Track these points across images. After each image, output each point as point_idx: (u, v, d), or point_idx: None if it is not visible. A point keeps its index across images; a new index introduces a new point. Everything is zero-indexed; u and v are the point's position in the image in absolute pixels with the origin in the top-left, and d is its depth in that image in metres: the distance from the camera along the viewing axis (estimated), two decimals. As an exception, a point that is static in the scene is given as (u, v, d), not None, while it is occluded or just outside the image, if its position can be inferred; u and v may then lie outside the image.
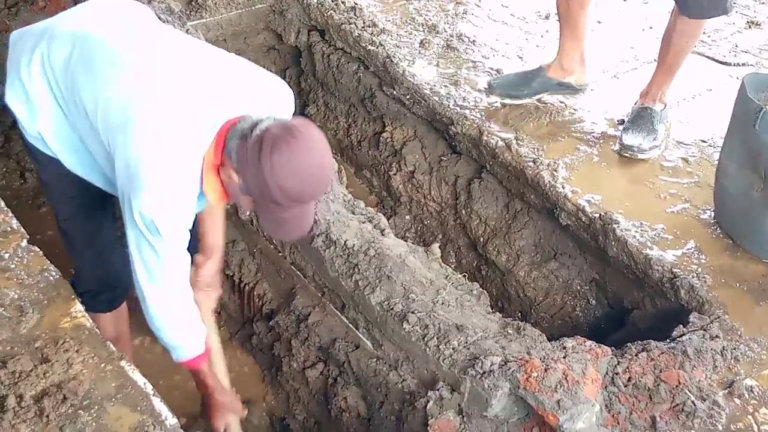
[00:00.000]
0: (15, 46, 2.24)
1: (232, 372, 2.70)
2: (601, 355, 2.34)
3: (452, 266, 3.43)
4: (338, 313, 2.87)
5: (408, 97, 3.63)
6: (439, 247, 3.01)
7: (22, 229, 2.53)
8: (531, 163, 3.13)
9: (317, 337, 2.92)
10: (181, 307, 2.20)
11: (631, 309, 2.97)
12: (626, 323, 2.96)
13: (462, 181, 3.57)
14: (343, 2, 4.00)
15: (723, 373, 2.37)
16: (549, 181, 3.05)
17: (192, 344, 2.27)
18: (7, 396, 2.00)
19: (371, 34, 3.82)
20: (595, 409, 2.19)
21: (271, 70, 2.46)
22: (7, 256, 2.41)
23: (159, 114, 1.97)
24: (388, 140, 3.85)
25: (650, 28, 4.08)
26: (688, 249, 2.79)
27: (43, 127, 2.20)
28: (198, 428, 2.90)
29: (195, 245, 2.73)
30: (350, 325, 2.82)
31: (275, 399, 3.18)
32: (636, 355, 2.38)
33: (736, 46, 3.96)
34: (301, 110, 4.31)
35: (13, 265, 2.40)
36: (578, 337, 2.43)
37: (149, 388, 2.12)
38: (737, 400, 2.29)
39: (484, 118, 3.35)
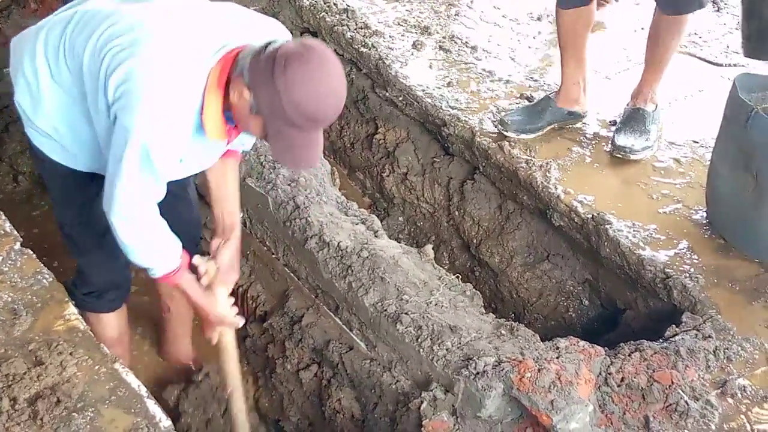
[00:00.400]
0: (15, 49, 2.26)
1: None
2: (594, 355, 2.35)
3: (445, 267, 3.43)
4: (332, 314, 2.87)
5: (401, 98, 3.63)
6: (433, 248, 3.01)
7: (15, 232, 2.53)
8: (524, 164, 3.13)
9: (311, 339, 2.92)
10: (148, 230, 2.12)
11: (624, 309, 2.98)
12: (619, 323, 2.96)
13: (455, 182, 3.57)
14: (335, 4, 4.01)
15: (716, 372, 2.37)
16: (542, 182, 3.05)
17: (165, 262, 2.19)
18: (0, 399, 2.00)
19: (364, 36, 3.83)
20: (588, 409, 2.20)
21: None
22: (0, 259, 2.41)
23: (164, 29, 1.96)
24: (380, 142, 3.85)
25: (642, 29, 4.05)
26: (680, 249, 2.80)
27: (48, 110, 2.18)
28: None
29: (193, 235, 2.73)
30: (344, 326, 2.82)
31: (269, 401, 3.17)
32: (629, 356, 2.38)
33: (728, 47, 3.96)
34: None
35: (6, 268, 2.40)
36: (571, 337, 2.44)
37: (143, 390, 2.12)
38: (730, 400, 2.30)
39: (476, 119, 3.36)
